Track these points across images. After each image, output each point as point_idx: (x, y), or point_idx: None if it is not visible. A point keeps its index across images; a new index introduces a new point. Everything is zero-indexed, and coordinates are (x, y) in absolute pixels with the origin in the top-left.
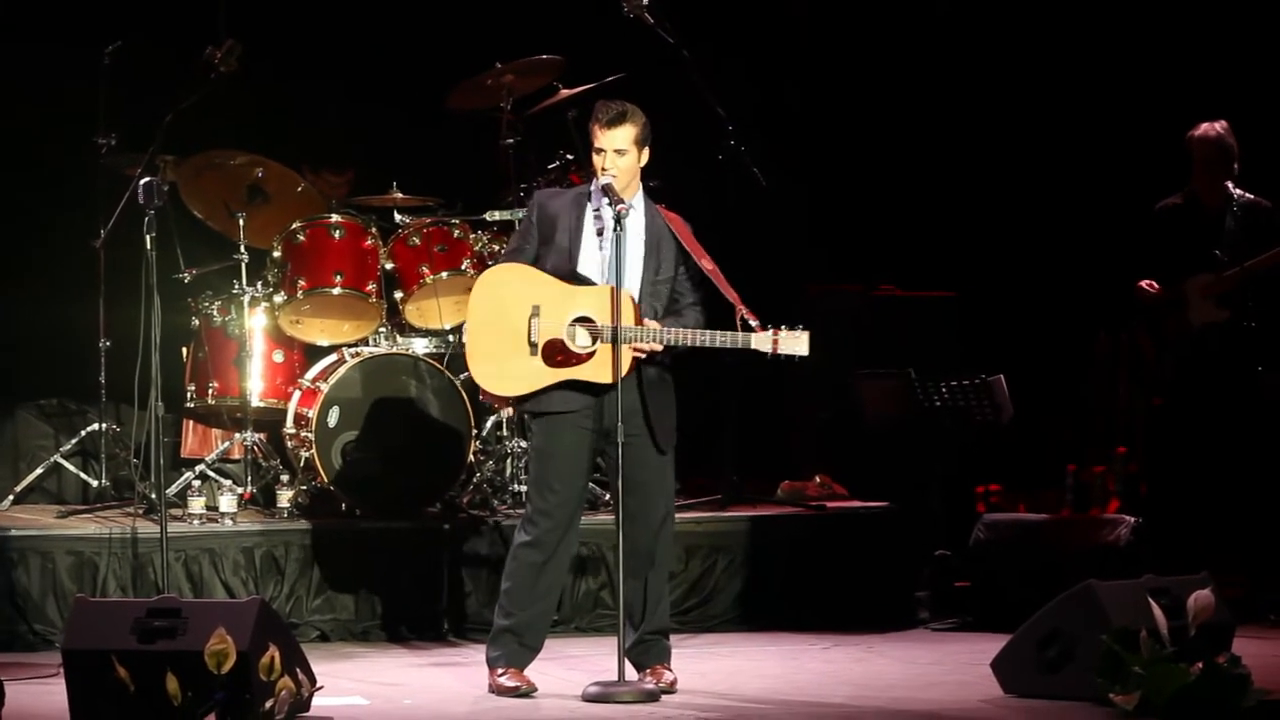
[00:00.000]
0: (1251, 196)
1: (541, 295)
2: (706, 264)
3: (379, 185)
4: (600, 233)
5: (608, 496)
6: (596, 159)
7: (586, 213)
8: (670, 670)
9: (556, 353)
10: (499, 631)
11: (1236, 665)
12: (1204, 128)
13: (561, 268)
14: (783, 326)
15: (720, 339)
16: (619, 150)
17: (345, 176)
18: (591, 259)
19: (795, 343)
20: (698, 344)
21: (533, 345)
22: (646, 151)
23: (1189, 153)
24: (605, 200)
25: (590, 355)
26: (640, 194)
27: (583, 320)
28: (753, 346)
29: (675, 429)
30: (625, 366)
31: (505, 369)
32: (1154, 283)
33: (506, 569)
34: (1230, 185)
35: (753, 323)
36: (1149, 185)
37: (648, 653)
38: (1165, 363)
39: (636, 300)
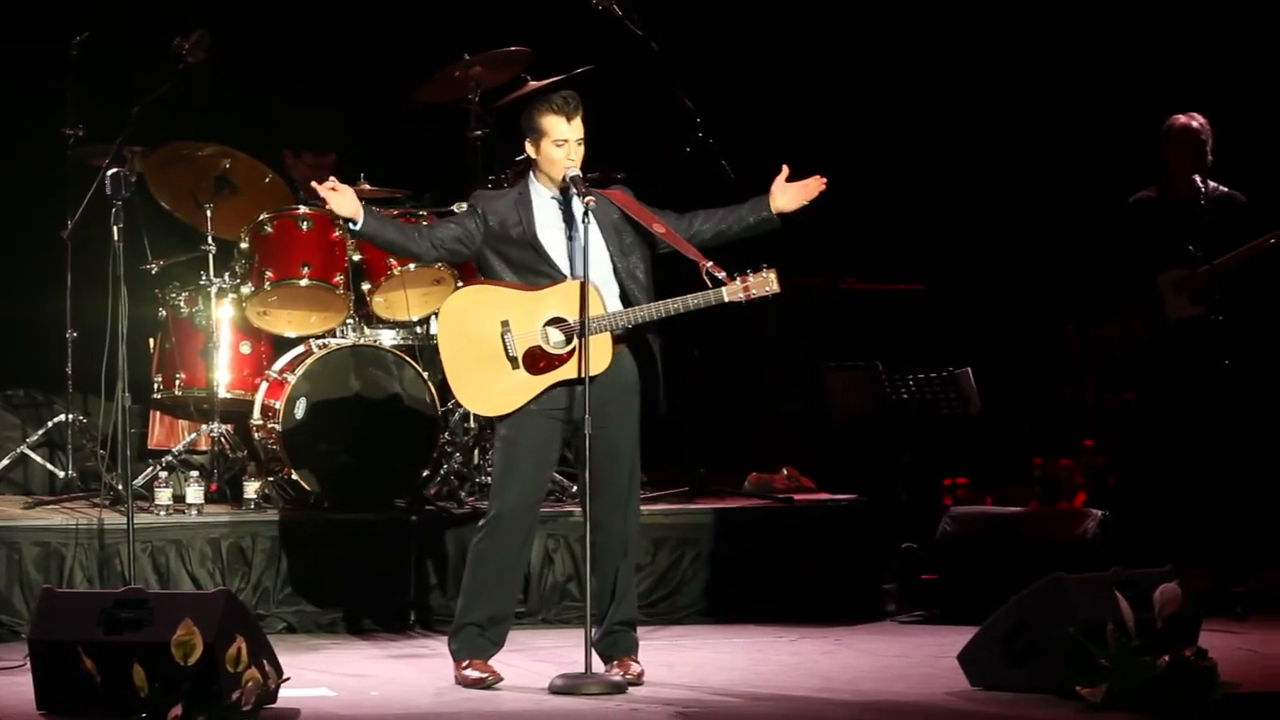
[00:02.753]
0: (1225, 189)
1: (507, 308)
2: (659, 228)
3: (347, 177)
4: (586, 218)
5: (575, 488)
6: (557, 150)
7: (537, 208)
8: (638, 662)
9: (538, 359)
10: (461, 625)
11: (1203, 658)
12: (1180, 119)
13: (528, 263)
14: (748, 272)
15: (693, 302)
16: (580, 139)
17: (326, 159)
18: (557, 254)
19: (766, 284)
20: (671, 313)
21: (512, 359)
22: None
23: (1163, 144)
24: (574, 192)
25: (571, 354)
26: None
27: (555, 321)
28: (725, 300)
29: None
30: (608, 358)
31: (493, 389)
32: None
33: (469, 561)
34: (1202, 178)
35: (720, 275)
36: (1119, 179)
37: (615, 644)
38: (1141, 357)
39: (617, 285)
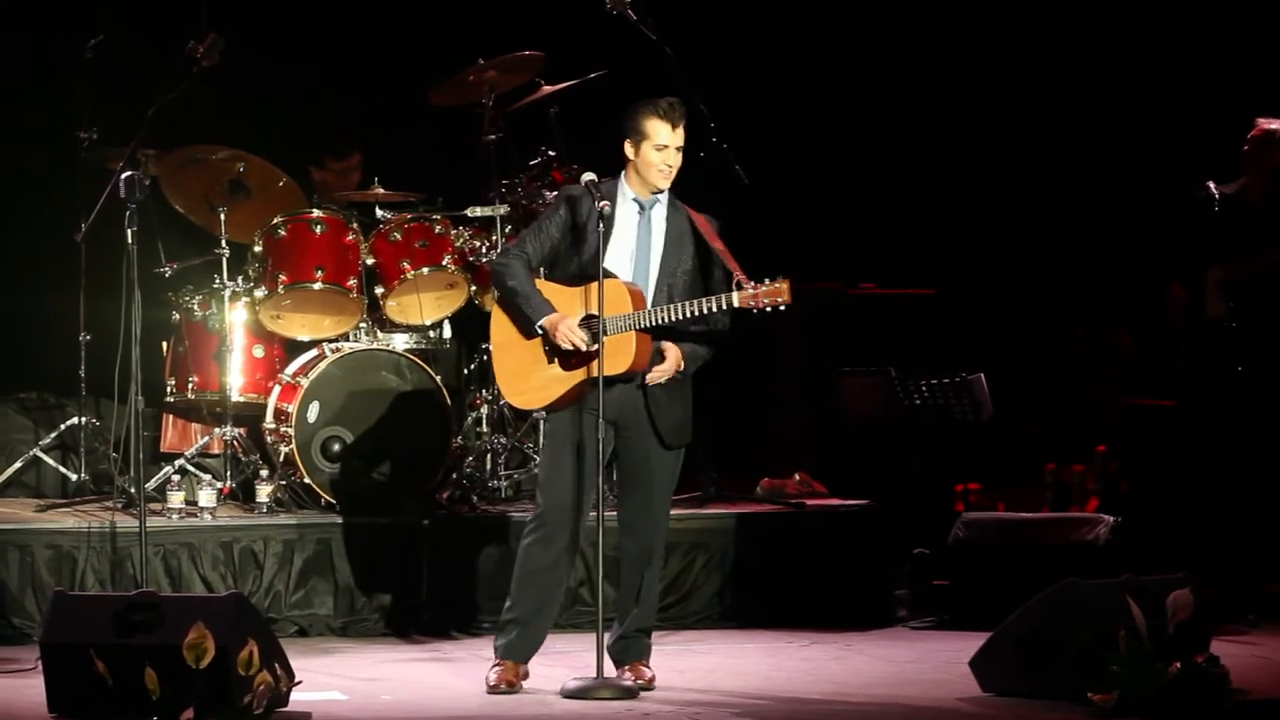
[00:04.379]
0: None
1: (553, 304)
2: (718, 244)
3: (361, 180)
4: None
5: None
6: (656, 154)
7: (618, 208)
8: (649, 668)
9: (570, 356)
10: (504, 622)
11: (1215, 665)
12: (1266, 121)
13: (589, 260)
14: (765, 280)
15: (705, 305)
16: (680, 147)
17: (350, 161)
18: (618, 253)
19: (777, 295)
20: (686, 316)
21: (549, 354)
22: None
23: (1246, 142)
24: (589, 193)
25: (599, 351)
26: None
27: (587, 319)
28: (735, 305)
29: (689, 425)
30: (632, 357)
31: (529, 383)
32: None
33: (517, 559)
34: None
35: (743, 281)
36: (1130, 182)
37: (628, 650)
38: (1177, 354)
39: (654, 290)
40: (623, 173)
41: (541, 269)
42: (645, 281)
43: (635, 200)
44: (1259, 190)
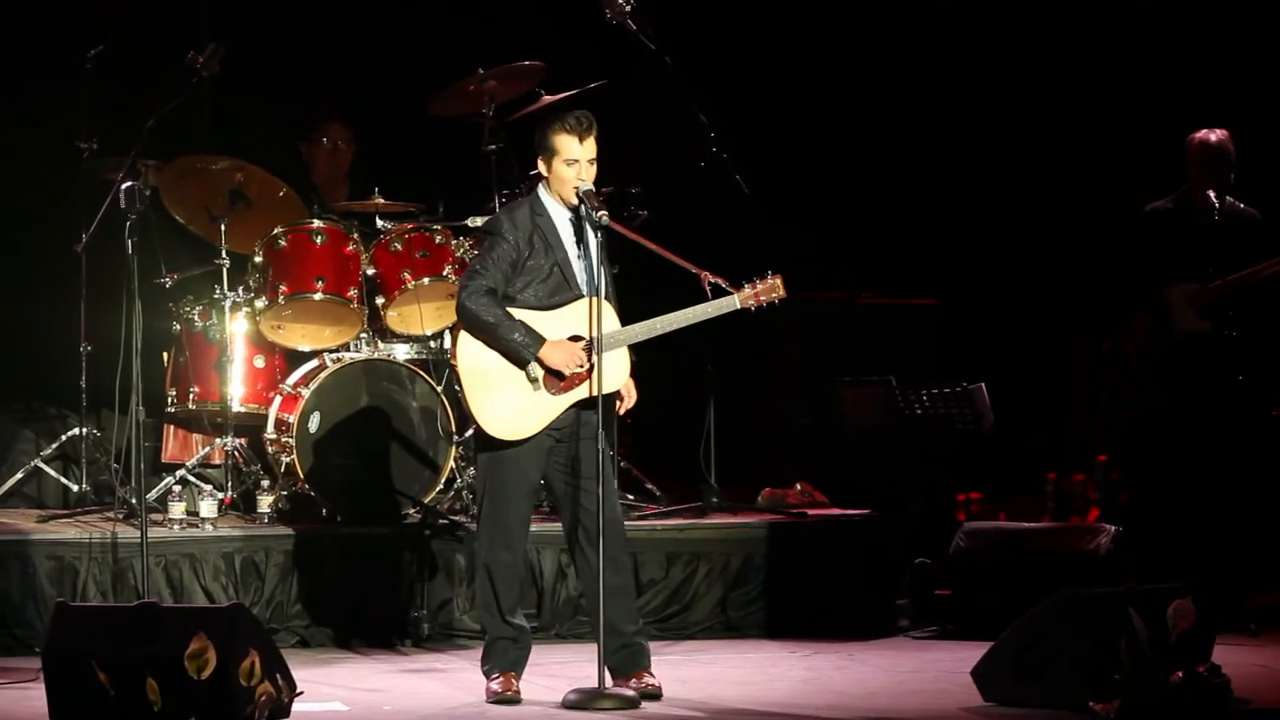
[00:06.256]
0: (1242, 206)
1: None
2: (651, 245)
3: (361, 191)
4: (582, 237)
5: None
6: (568, 169)
7: (556, 224)
8: (653, 675)
9: (558, 380)
10: (492, 639)
11: (1216, 674)
12: (1204, 134)
13: (548, 279)
14: (755, 278)
15: (706, 311)
16: (592, 160)
17: (334, 131)
18: (571, 271)
19: (773, 290)
20: (687, 323)
21: (534, 380)
22: None
23: (1186, 157)
24: (584, 207)
25: (590, 371)
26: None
27: (573, 339)
28: (737, 306)
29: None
30: (626, 373)
31: (517, 412)
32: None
33: (486, 573)
34: (1219, 194)
35: (723, 285)
36: (1131, 192)
37: (632, 658)
38: (1145, 370)
39: (615, 300)
40: (539, 188)
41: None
42: (608, 296)
43: (568, 216)
44: (1200, 202)
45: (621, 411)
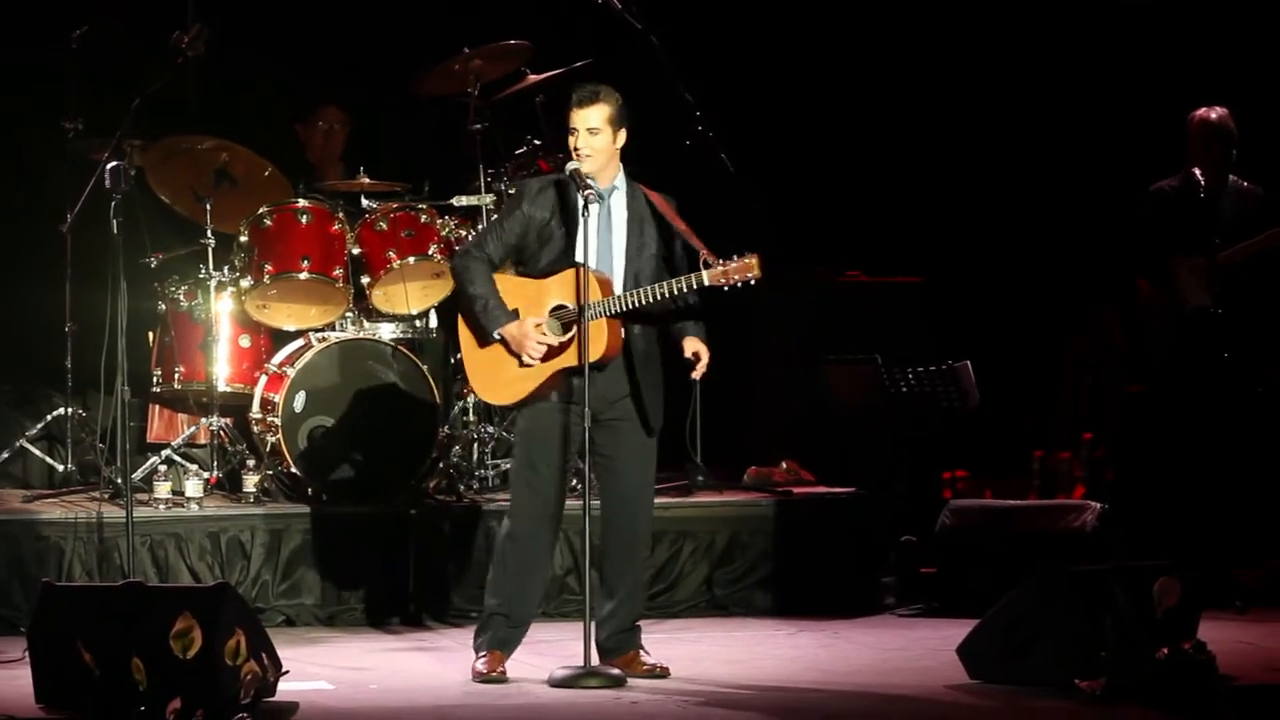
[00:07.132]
0: (1246, 184)
1: (515, 299)
2: (680, 225)
3: (355, 173)
4: (585, 210)
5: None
6: (571, 140)
7: (568, 198)
8: (648, 652)
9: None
10: (486, 616)
11: (1202, 651)
12: (1204, 111)
13: (554, 249)
14: (734, 256)
15: (675, 286)
16: (591, 129)
17: (330, 114)
18: (593, 240)
19: (747, 270)
20: (658, 299)
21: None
22: (623, 133)
23: (1187, 135)
24: (575, 185)
25: (571, 341)
26: (621, 174)
27: (557, 309)
28: (706, 284)
29: (662, 409)
30: (604, 345)
31: (501, 378)
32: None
33: (497, 554)
34: (1222, 171)
35: (713, 261)
36: (1119, 170)
37: (626, 641)
38: (1154, 343)
39: (622, 277)
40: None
41: (507, 263)
42: (611, 269)
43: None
44: (1205, 180)
45: (697, 376)
